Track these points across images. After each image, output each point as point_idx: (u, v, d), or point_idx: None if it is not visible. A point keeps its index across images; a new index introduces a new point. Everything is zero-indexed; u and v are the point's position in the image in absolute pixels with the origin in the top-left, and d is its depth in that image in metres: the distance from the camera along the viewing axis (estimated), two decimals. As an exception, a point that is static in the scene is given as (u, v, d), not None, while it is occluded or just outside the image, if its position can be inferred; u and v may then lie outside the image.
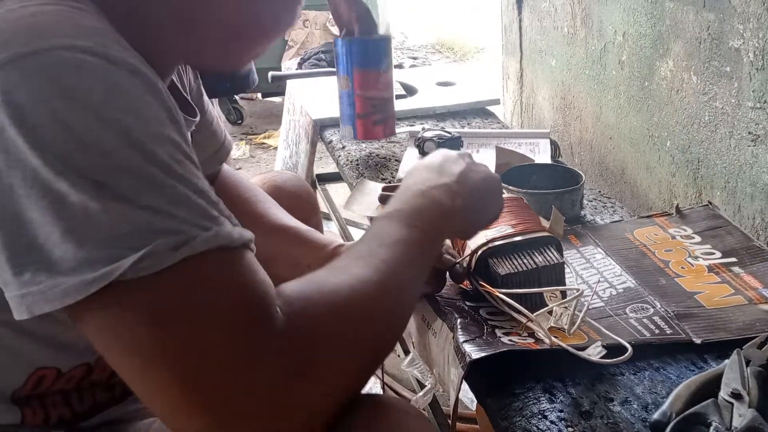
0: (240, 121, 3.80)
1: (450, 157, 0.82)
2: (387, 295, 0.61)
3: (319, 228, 1.19)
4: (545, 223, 0.96)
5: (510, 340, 0.81)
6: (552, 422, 0.72)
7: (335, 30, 3.74)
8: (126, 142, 0.51)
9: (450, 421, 0.90)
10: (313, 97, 1.89)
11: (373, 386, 1.58)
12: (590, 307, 0.88)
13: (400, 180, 1.18)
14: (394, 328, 0.64)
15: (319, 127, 1.72)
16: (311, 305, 0.56)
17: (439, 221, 0.73)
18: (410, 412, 0.65)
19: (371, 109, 1.39)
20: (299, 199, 1.14)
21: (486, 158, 1.38)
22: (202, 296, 0.51)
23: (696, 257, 1.02)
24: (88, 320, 0.51)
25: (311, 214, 1.15)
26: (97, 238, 0.49)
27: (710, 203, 1.17)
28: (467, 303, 0.89)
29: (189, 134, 0.82)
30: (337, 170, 1.64)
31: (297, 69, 2.05)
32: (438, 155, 0.83)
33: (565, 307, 0.83)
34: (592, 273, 1.00)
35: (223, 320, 0.51)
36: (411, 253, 0.66)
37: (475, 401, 0.90)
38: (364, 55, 1.37)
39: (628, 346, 0.77)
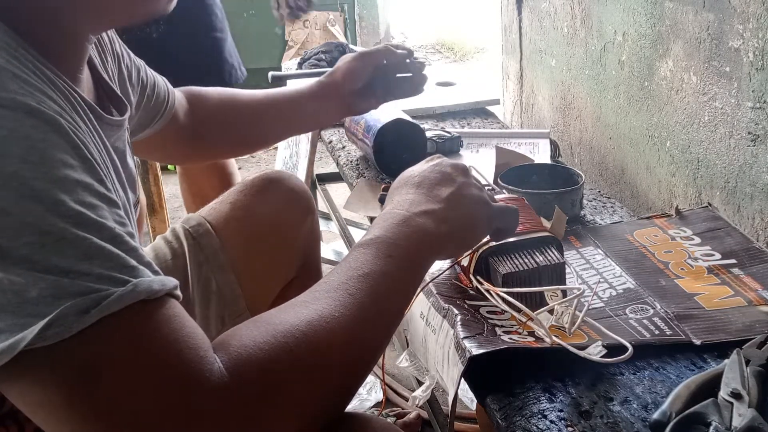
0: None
1: (444, 175, 0.78)
2: (349, 332, 0.59)
3: (316, 232, 1.19)
4: (546, 223, 0.96)
5: (510, 339, 0.81)
6: (552, 422, 0.72)
7: (335, 30, 3.74)
8: (28, 196, 0.48)
9: (448, 419, 0.90)
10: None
11: (373, 385, 1.58)
12: (590, 307, 0.88)
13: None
14: (359, 364, 0.61)
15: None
16: (258, 351, 0.53)
17: (420, 251, 0.70)
18: None
19: None
20: (293, 195, 1.12)
21: (486, 158, 1.38)
22: (123, 359, 0.48)
23: (696, 259, 1.02)
24: (8, 389, 0.50)
25: (306, 212, 1.14)
26: (2, 307, 0.47)
27: (710, 204, 1.18)
28: (467, 302, 0.89)
29: (125, 134, 0.78)
30: (337, 170, 1.64)
31: (297, 69, 2.04)
32: (432, 170, 0.79)
33: (566, 306, 0.84)
34: (591, 274, 1.00)
35: (150, 382, 0.48)
36: (384, 285, 0.64)
37: (475, 401, 0.90)
38: None
39: (628, 345, 0.77)
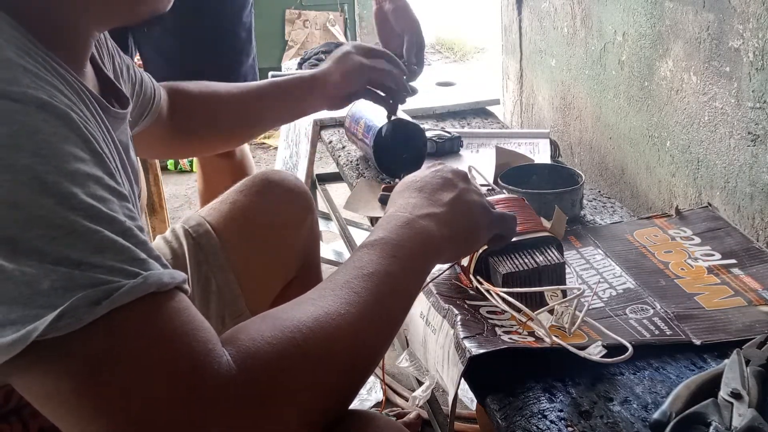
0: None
1: (445, 180, 0.79)
2: (354, 329, 0.59)
3: (315, 232, 1.18)
4: (546, 223, 0.96)
5: (510, 339, 0.81)
6: (552, 422, 0.72)
7: (335, 30, 3.74)
8: (40, 190, 0.48)
9: (448, 419, 0.90)
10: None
11: (373, 385, 1.58)
12: (590, 307, 0.88)
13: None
14: (364, 362, 0.62)
15: (319, 128, 1.72)
16: (266, 345, 0.53)
17: (423, 252, 0.71)
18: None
19: None
20: (293, 195, 1.12)
21: (486, 158, 1.38)
22: (133, 350, 0.48)
23: (696, 258, 1.02)
24: (17, 380, 0.50)
25: (306, 212, 1.13)
26: (14, 299, 0.47)
27: (710, 204, 1.18)
28: (467, 302, 0.89)
29: (127, 128, 0.79)
30: (337, 170, 1.64)
31: (297, 69, 2.05)
32: (434, 175, 0.80)
33: (566, 306, 0.84)
34: (591, 274, 1.00)
35: (160, 374, 0.48)
36: (388, 284, 0.65)
37: (475, 401, 0.90)
38: None
39: (628, 345, 0.77)
